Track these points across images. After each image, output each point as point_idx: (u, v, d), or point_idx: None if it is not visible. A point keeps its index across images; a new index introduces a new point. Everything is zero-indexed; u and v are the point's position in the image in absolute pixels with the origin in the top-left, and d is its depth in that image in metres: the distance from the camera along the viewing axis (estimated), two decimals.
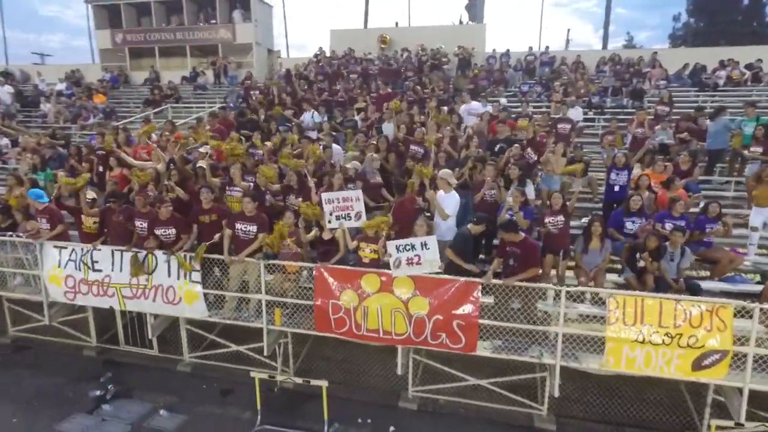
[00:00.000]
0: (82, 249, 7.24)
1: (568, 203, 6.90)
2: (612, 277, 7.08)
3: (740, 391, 5.48)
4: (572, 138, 10.64)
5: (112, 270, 7.12)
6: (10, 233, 7.77)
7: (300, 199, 7.17)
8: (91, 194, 7.20)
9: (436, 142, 8.51)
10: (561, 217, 6.72)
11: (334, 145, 9.40)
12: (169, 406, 6.91)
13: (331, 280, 6.32)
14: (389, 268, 6.11)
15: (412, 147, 8.72)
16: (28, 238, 7.54)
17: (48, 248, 7.42)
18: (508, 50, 19.54)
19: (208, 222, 7.07)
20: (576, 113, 12.52)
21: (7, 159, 13.18)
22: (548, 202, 6.97)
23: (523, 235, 6.10)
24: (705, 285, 6.86)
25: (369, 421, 6.64)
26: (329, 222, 6.47)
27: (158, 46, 22.84)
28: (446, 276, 6.00)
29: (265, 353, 6.97)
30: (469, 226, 6.35)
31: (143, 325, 7.82)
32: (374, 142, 8.82)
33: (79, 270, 7.26)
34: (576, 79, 15.66)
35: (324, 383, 6.25)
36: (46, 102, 18.57)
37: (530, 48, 19.31)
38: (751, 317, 5.29)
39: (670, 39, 45.56)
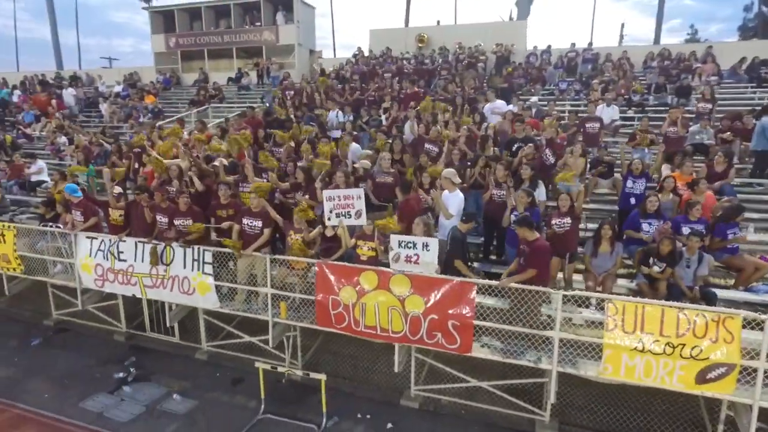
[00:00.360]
0: (110, 240, 7.78)
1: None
2: (624, 282, 6.79)
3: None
4: (601, 138, 10.26)
5: (135, 260, 7.61)
6: (51, 224, 8.46)
7: (306, 196, 7.35)
8: (117, 189, 7.70)
9: (452, 140, 8.45)
10: (568, 219, 6.53)
11: (354, 144, 9.54)
12: (183, 391, 7.28)
13: (331, 276, 6.46)
14: (387, 266, 6.17)
15: (427, 145, 8.72)
16: (65, 229, 8.18)
17: (81, 239, 8.02)
18: (549, 47, 19.00)
19: (225, 216, 7.42)
20: (612, 112, 12.06)
21: (64, 156, 14.26)
22: (556, 203, 6.76)
23: (537, 234, 5.93)
24: (728, 294, 6.50)
25: (368, 416, 6.71)
26: (329, 219, 6.59)
27: (207, 48, 23.91)
28: (442, 276, 5.97)
29: (271, 345, 7.20)
30: (458, 224, 6.28)
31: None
32: (389, 141, 8.88)
33: (107, 259, 7.80)
34: (618, 77, 14.99)
35: (322, 377, 6.40)
36: (104, 103, 19.90)
37: (573, 44, 18.63)
38: (762, 329, 4.93)
39: (740, 31, 42.63)
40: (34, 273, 8.76)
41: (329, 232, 6.73)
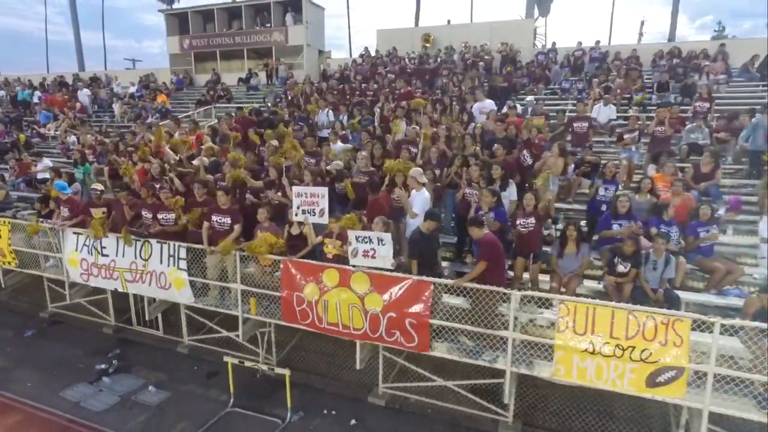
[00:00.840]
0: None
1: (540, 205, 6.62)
2: (592, 284, 6.70)
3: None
4: (590, 137, 10.10)
5: (116, 255, 7.85)
6: (42, 220, 8.79)
7: (279, 194, 7.47)
8: (99, 186, 7.96)
9: (430, 138, 8.46)
10: (532, 219, 6.48)
11: (338, 144, 9.62)
12: (159, 383, 7.49)
13: (295, 273, 6.56)
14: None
15: (403, 146, 8.73)
16: (53, 225, 8.49)
17: (68, 234, 8.31)
18: (554, 44, 18.77)
19: (200, 213, 7.58)
20: (609, 111, 11.85)
21: (71, 155, 14.73)
22: (521, 203, 6.72)
23: (485, 232, 5.93)
24: (699, 298, 6.35)
25: (334, 412, 6.79)
26: (296, 215, 6.71)
27: (219, 50, 24.39)
28: (399, 274, 6.01)
29: (241, 339, 7.37)
30: (420, 224, 6.30)
31: None
32: (371, 141, 8.93)
33: (91, 254, 8.07)
34: (618, 75, 14.70)
35: (286, 372, 6.52)
36: (116, 103, 20.48)
37: (579, 43, 18.33)
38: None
39: None
40: (27, 267, 9.10)
41: (295, 231, 6.83)
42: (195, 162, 8.27)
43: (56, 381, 7.61)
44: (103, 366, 7.92)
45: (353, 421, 6.60)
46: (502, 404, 6.44)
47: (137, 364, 8.07)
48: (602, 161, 8.93)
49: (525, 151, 8.26)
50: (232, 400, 6.95)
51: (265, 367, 6.77)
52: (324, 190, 6.60)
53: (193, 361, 8.19)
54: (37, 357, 8.36)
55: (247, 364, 6.83)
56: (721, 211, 7.94)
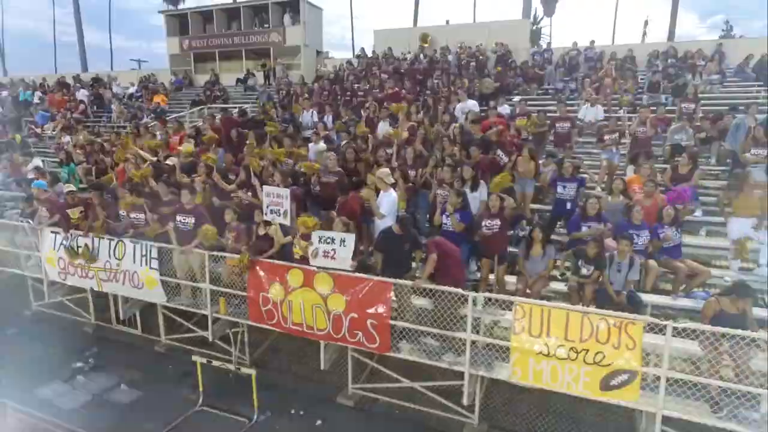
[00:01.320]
0: (71, 234, 8.12)
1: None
2: (560, 285, 6.65)
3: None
4: (573, 138, 10.03)
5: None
6: (22, 219, 8.90)
7: (250, 194, 7.50)
8: (71, 186, 8.04)
9: (407, 140, 8.45)
10: (497, 221, 6.44)
11: (320, 144, 9.64)
12: (132, 382, 7.54)
13: (261, 273, 6.59)
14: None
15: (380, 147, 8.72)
16: (32, 224, 8.60)
17: (46, 233, 8.41)
18: (549, 44, 18.66)
19: (167, 212, 7.63)
20: (595, 112, 11.76)
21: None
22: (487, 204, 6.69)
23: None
24: (667, 301, 6.29)
25: (301, 413, 6.80)
26: (266, 214, 6.74)
27: (218, 50, 24.50)
28: (361, 275, 6.01)
29: (210, 339, 7.41)
30: (393, 226, 6.29)
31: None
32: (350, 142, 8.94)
33: (68, 253, 8.14)
34: (606, 75, 14.56)
35: (252, 371, 6.54)
36: (114, 103, 20.64)
37: (574, 43, 18.19)
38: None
39: None
40: (8, 266, 9.21)
41: (261, 231, 6.86)
42: (168, 162, 8.34)
43: (31, 379, 7.67)
44: (79, 364, 7.99)
45: (319, 422, 6.61)
46: (470, 406, 6.44)
47: (113, 363, 8.11)
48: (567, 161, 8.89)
49: (499, 151, 8.22)
50: (201, 399, 6.98)
51: (232, 367, 6.79)
52: (286, 191, 6.62)
53: (169, 360, 8.23)
54: (15, 355, 8.41)
55: (215, 363, 6.86)
56: (698, 213, 7.88)
